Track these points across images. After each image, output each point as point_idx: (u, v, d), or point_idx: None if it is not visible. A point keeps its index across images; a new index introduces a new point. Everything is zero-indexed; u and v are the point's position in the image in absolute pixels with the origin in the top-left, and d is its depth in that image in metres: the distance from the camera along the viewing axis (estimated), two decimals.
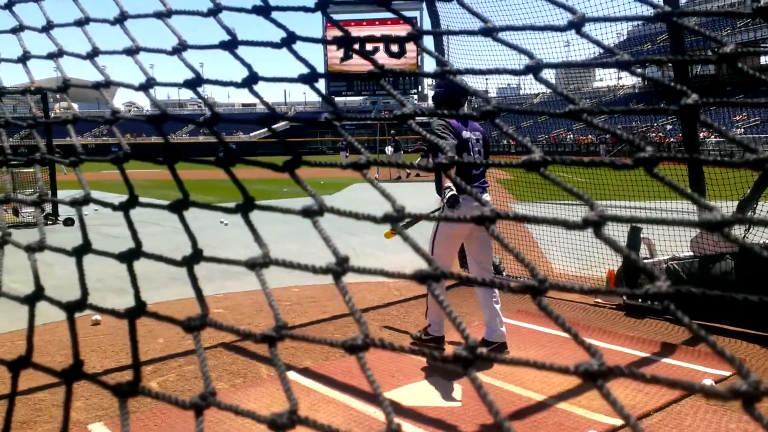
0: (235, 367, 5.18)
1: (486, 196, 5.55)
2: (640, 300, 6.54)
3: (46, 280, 1.27)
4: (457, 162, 0.76)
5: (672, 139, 42.04)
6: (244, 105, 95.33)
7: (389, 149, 33.18)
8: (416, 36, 0.82)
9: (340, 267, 0.72)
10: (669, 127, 46.24)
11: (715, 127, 0.62)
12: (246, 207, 0.84)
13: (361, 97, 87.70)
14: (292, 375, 4.95)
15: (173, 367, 5.24)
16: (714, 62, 0.61)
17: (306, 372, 5.03)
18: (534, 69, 0.71)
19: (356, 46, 1.03)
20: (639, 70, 0.68)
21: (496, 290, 5.43)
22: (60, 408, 4.42)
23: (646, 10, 0.74)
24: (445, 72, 0.77)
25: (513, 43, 0.79)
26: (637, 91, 57.44)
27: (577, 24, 0.71)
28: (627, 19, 0.73)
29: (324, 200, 0.79)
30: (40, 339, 5.56)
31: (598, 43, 0.74)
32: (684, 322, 0.50)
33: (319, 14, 1.08)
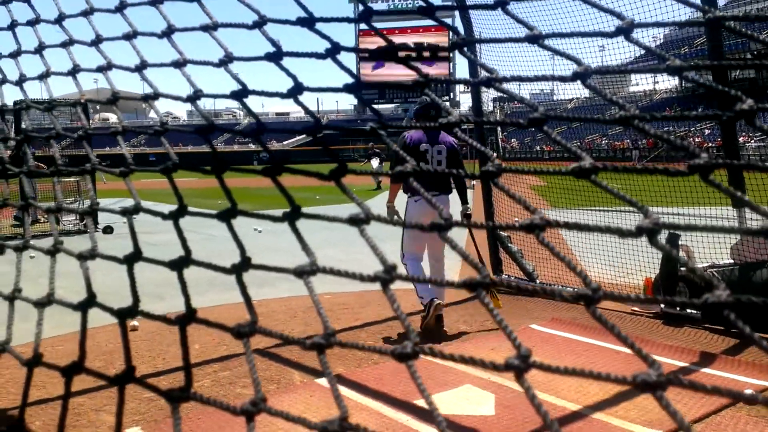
0: (269, 374, 5.21)
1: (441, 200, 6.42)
2: (678, 308, 6.40)
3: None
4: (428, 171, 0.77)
5: (711, 144, 41.22)
6: (277, 114, 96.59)
7: (375, 162, 32.03)
8: (460, 44, 0.82)
9: (389, 275, 0.73)
10: (707, 131, 45.35)
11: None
12: (293, 215, 0.85)
13: (392, 105, 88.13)
14: (325, 381, 4.96)
15: (208, 372, 5.30)
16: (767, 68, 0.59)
17: (338, 379, 5.04)
18: (582, 76, 0.71)
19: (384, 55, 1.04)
20: (686, 75, 0.67)
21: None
22: (98, 412, 4.49)
23: (687, 13, 0.73)
24: (491, 80, 0.77)
25: (557, 49, 0.78)
26: (674, 95, 56.44)
27: (625, 30, 0.71)
28: (677, 24, 0.72)
29: (370, 208, 0.80)
30: (77, 345, 5.67)
31: (648, 49, 0.73)
32: (746, 333, 0.49)
33: (350, 24, 1.09)
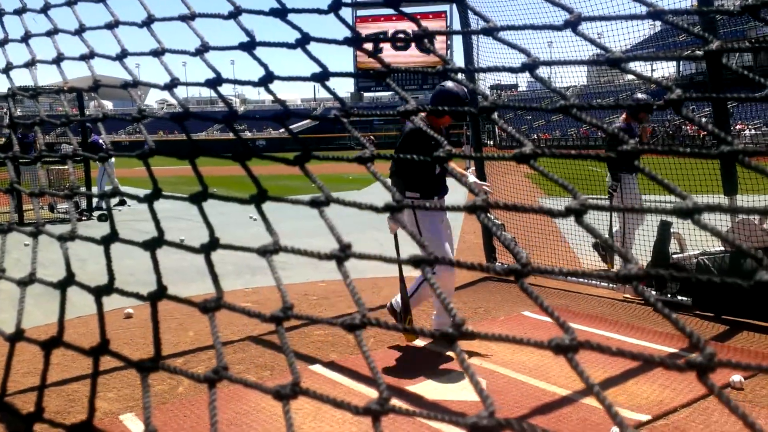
0: (262, 360, 5.27)
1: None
2: (669, 295, 6.47)
3: (79, 274, 1.34)
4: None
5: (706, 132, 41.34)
6: (273, 101, 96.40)
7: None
8: (421, 36, 0.86)
9: (343, 253, 0.77)
10: (704, 119, 45.47)
11: (696, 120, 0.65)
12: (259, 198, 0.90)
13: (390, 92, 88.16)
14: (318, 368, 5.02)
15: (203, 359, 5.36)
16: (696, 59, 0.63)
17: (332, 365, 5.10)
18: (530, 66, 0.75)
19: (369, 45, 1.08)
20: (629, 66, 0.72)
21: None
22: (94, 399, 4.55)
23: (641, 9, 0.77)
24: (447, 70, 0.81)
25: (513, 43, 0.83)
26: (671, 83, 56.55)
27: (573, 23, 0.75)
28: (620, 18, 0.76)
29: (331, 193, 0.84)
30: (74, 331, 5.70)
31: (592, 42, 0.77)
32: (650, 302, 0.54)
33: (349, 13, 1.13)
